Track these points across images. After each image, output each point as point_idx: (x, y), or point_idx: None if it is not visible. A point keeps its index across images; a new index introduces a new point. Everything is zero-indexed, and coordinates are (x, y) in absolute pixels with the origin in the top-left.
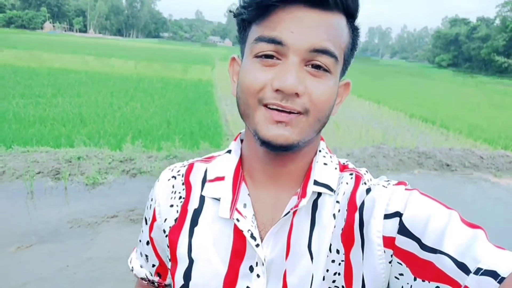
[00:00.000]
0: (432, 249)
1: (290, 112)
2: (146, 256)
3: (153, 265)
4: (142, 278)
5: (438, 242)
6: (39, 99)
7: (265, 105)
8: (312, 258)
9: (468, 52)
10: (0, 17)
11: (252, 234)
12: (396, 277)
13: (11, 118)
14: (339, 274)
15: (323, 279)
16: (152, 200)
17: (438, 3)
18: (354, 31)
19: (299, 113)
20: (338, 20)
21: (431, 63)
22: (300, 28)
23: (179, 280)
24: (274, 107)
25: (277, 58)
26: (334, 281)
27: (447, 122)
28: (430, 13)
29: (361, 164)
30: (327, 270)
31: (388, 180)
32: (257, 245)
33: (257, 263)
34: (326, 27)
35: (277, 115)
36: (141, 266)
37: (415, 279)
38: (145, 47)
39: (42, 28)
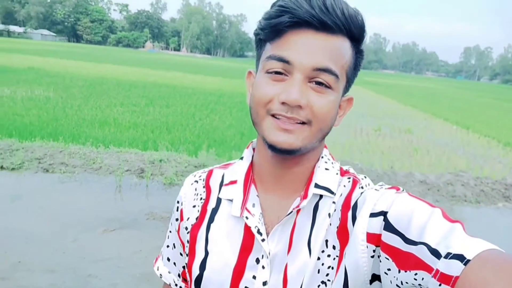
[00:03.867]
0: (414, 242)
1: (295, 122)
2: (174, 262)
3: (183, 266)
4: (169, 284)
5: (420, 235)
6: (135, 108)
7: (273, 115)
8: (310, 253)
9: None
10: (112, 37)
11: (259, 230)
12: (385, 273)
13: (111, 123)
14: (332, 268)
15: (318, 272)
16: (178, 202)
17: None
18: (358, 53)
19: (303, 123)
20: (342, 43)
21: None
22: (306, 49)
23: (195, 270)
24: (280, 117)
25: (285, 74)
26: (327, 275)
27: None
28: None
29: (435, 192)
30: (322, 264)
31: (382, 185)
32: (263, 240)
33: (262, 255)
34: (329, 49)
35: (283, 124)
36: (169, 272)
37: (399, 271)
38: (229, 66)
39: (143, 47)
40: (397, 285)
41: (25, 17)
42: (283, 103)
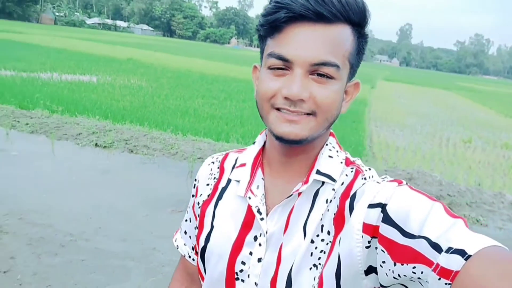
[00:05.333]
0: (412, 235)
1: (300, 113)
2: (190, 236)
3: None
4: (184, 256)
5: (419, 228)
6: (214, 101)
7: (277, 109)
8: (305, 236)
9: None
10: (201, 33)
11: (259, 209)
12: (380, 265)
13: (191, 113)
14: (324, 252)
15: (311, 254)
16: (196, 180)
17: None
18: (360, 37)
19: (308, 114)
20: (341, 31)
21: None
22: (304, 44)
23: (201, 242)
24: (284, 110)
25: (286, 69)
26: (319, 258)
27: None
28: None
29: None
30: (316, 248)
31: (384, 177)
32: (262, 219)
33: (260, 234)
34: (327, 40)
35: (288, 116)
36: (184, 244)
37: (395, 264)
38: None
39: (229, 43)
40: (394, 277)
41: (129, 13)
42: (285, 98)
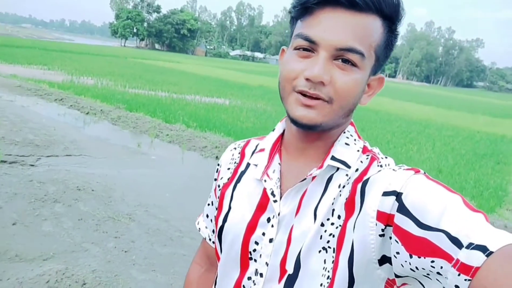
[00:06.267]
0: (430, 227)
1: (317, 98)
2: (211, 219)
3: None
4: (204, 238)
5: (437, 221)
6: None
7: (297, 91)
8: (315, 219)
9: None
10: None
11: (272, 192)
12: (395, 256)
13: None
14: (333, 236)
15: (320, 238)
16: (218, 165)
17: None
18: (390, 32)
19: (324, 100)
20: (371, 21)
21: None
22: (332, 28)
23: (220, 222)
24: (304, 94)
25: (312, 51)
26: (328, 241)
27: None
28: None
29: None
30: (325, 231)
31: (401, 166)
32: (275, 201)
33: (273, 216)
34: (355, 28)
35: (305, 100)
36: (206, 227)
37: (411, 256)
38: (449, 95)
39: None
40: (411, 269)
41: (266, 45)
42: (307, 79)
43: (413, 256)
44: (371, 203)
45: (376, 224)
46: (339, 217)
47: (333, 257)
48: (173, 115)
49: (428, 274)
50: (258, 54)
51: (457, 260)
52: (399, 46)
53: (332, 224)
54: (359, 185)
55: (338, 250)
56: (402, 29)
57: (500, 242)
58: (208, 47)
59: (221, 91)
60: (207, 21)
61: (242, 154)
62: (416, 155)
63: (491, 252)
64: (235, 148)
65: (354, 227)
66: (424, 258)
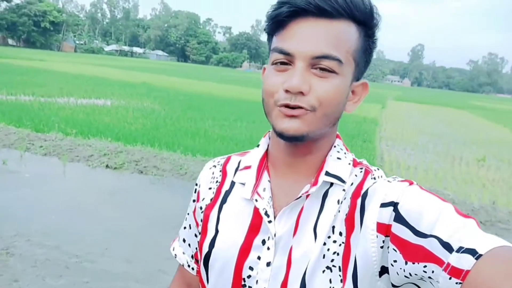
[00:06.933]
0: (424, 234)
1: (300, 108)
2: (189, 244)
3: (196, 248)
4: (182, 265)
5: (431, 228)
6: (224, 122)
7: (279, 105)
8: (315, 238)
9: None
10: (214, 57)
11: (266, 212)
12: (392, 264)
13: (202, 134)
14: (338, 254)
15: (323, 257)
16: (197, 185)
17: None
18: (367, 37)
19: (306, 109)
20: (344, 27)
21: None
22: (305, 38)
23: (205, 248)
24: (286, 106)
25: (289, 64)
26: (332, 260)
27: None
28: None
29: None
30: (328, 249)
31: (395, 177)
32: (270, 222)
33: (269, 237)
34: (329, 35)
35: (287, 111)
36: (183, 253)
37: (406, 263)
38: None
39: (241, 67)
40: (405, 276)
41: (145, 40)
42: (286, 91)
43: (408, 262)
44: (370, 216)
45: (377, 236)
46: (340, 234)
47: (340, 275)
48: (45, 123)
49: (421, 279)
50: (137, 49)
51: (448, 264)
52: None
53: (335, 241)
54: (359, 200)
55: (344, 268)
56: None
57: (489, 245)
58: (77, 42)
59: (100, 90)
60: (74, 12)
61: (224, 172)
62: None
63: (480, 255)
64: (214, 166)
65: (354, 242)
66: (418, 263)
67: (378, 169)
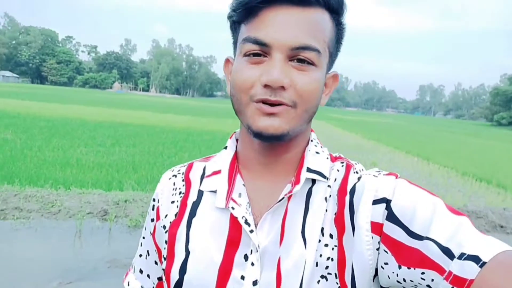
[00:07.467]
0: (419, 236)
1: (279, 105)
2: (148, 274)
3: (158, 278)
4: None
5: (426, 229)
6: (100, 148)
7: (256, 101)
8: (305, 244)
9: None
10: (79, 78)
11: (246, 220)
12: (382, 267)
13: (74, 164)
14: (332, 259)
15: (316, 265)
16: (154, 200)
17: (494, 61)
18: (338, 25)
19: (287, 105)
20: (320, 15)
21: (489, 121)
22: (282, 27)
23: (174, 275)
24: (264, 102)
25: (264, 55)
26: (327, 267)
27: (504, 182)
28: (486, 70)
29: None
30: (320, 255)
31: (379, 171)
32: (251, 231)
33: (251, 250)
34: (307, 24)
35: (266, 108)
36: (141, 287)
37: (400, 267)
38: (199, 105)
39: (111, 88)
40: (397, 281)
41: None
42: (265, 85)
43: (402, 267)
44: (362, 215)
45: (372, 237)
46: (331, 236)
47: (337, 283)
48: None
49: (416, 286)
50: None
51: (450, 272)
52: (148, 61)
53: (326, 245)
54: (347, 198)
55: (341, 276)
56: (148, 45)
57: (492, 251)
58: None
59: None
60: None
61: (187, 181)
62: (190, 160)
63: (484, 263)
64: (174, 176)
65: (351, 246)
66: (414, 269)
67: (357, 163)
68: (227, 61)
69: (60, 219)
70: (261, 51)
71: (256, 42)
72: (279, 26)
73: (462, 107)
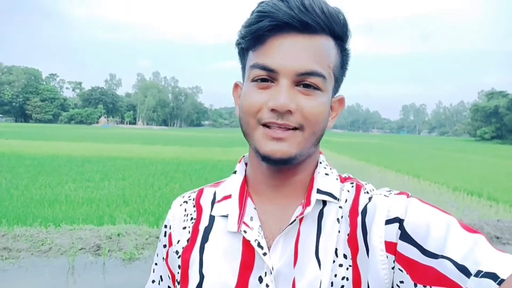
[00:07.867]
0: (434, 254)
1: (286, 129)
2: None
3: None
4: None
5: (440, 247)
6: (88, 183)
7: (263, 125)
8: (319, 265)
9: (511, 123)
10: (64, 115)
11: (259, 243)
12: (397, 285)
13: (63, 200)
14: (347, 279)
15: (332, 285)
16: (166, 227)
17: (471, 78)
18: (343, 51)
19: (294, 128)
20: (325, 42)
21: (472, 137)
22: (289, 54)
23: None
24: (272, 125)
25: (271, 81)
26: (342, 287)
27: (495, 194)
28: (464, 88)
29: None
30: (335, 275)
31: (390, 190)
32: (265, 254)
33: (265, 273)
34: (312, 50)
35: (274, 133)
36: None
37: (415, 285)
38: (187, 135)
39: (97, 122)
40: None
41: None
42: (272, 110)
43: (418, 285)
44: (376, 236)
45: (387, 257)
46: (345, 256)
47: None
48: None
49: None
50: None
51: None
52: (134, 95)
53: (341, 265)
54: (359, 218)
55: None
56: (133, 79)
57: (510, 267)
58: None
59: None
60: None
61: (198, 207)
62: (181, 191)
63: (502, 280)
64: (185, 202)
65: (366, 266)
66: (430, 287)
67: (367, 183)
68: (236, 85)
69: (51, 257)
70: (269, 76)
71: (264, 68)
72: (286, 53)
73: (445, 124)
